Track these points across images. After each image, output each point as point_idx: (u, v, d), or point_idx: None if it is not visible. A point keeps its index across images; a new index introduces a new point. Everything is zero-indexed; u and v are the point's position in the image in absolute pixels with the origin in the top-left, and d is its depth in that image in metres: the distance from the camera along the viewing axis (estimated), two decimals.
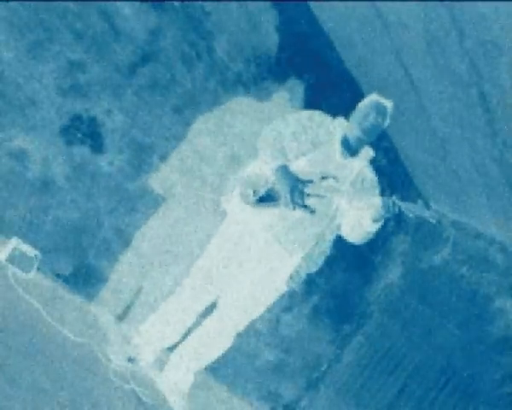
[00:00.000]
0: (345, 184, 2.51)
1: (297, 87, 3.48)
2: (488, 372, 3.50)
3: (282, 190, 2.37)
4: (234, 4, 3.20)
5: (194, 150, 3.25)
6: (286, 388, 3.81)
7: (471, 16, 2.17)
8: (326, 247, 2.59)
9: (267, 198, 2.46)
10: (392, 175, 3.85)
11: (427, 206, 3.91)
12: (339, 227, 2.61)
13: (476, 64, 2.40)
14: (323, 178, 2.43)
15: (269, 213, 2.46)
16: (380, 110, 2.49)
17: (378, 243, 3.96)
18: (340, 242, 3.74)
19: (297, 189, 2.34)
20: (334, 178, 2.45)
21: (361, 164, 2.58)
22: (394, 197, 2.31)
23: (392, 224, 4.00)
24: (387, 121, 2.54)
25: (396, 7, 2.53)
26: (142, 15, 3.00)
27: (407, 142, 3.67)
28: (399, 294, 3.99)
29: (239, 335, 2.71)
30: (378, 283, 4.04)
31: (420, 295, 3.93)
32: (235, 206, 2.53)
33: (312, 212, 2.36)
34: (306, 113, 2.59)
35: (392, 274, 4.05)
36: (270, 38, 3.36)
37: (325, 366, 3.92)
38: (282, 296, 2.69)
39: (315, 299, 3.83)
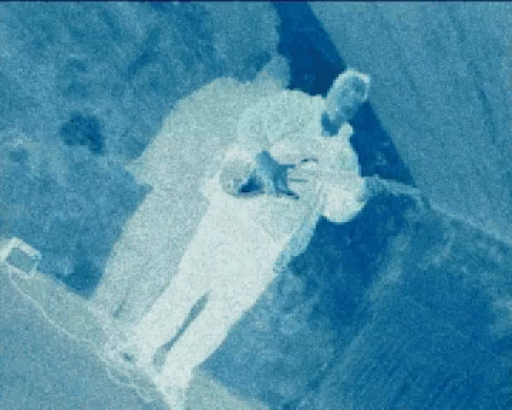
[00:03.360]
0: (326, 165, 2.47)
1: (297, 87, 3.49)
2: (488, 372, 3.51)
3: (265, 178, 2.33)
4: (234, 4, 3.20)
5: (196, 150, 3.25)
6: (286, 388, 3.81)
7: (471, 16, 2.17)
8: (310, 229, 2.57)
9: (249, 186, 2.41)
10: (393, 175, 3.85)
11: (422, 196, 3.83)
12: (323, 209, 2.58)
13: (476, 64, 2.40)
14: (304, 160, 2.40)
15: (253, 202, 2.43)
16: (358, 86, 2.44)
17: (378, 243, 3.96)
18: (340, 242, 3.74)
19: (280, 176, 2.32)
20: (315, 160, 2.42)
21: (341, 143, 2.54)
22: (377, 176, 2.31)
23: (392, 224, 4.00)
24: (366, 96, 2.49)
25: (396, 7, 2.53)
26: (142, 15, 3.00)
27: (407, 142, 3.67)
28: (399, 294, 3.99)
29: (234, 328, 2.68)
30: (378, 283, 4.04)
31: (420, 295, 3.93)
32: (218, 196, 2.49)
33: (297, 197, 2.36)
34: (285, 94, 2.54)
35: (392, 274, 4.05)
36: (270, 38, 3.36)
37: (325, 366, 3.92)
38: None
39: (315, 299, 3.83)
